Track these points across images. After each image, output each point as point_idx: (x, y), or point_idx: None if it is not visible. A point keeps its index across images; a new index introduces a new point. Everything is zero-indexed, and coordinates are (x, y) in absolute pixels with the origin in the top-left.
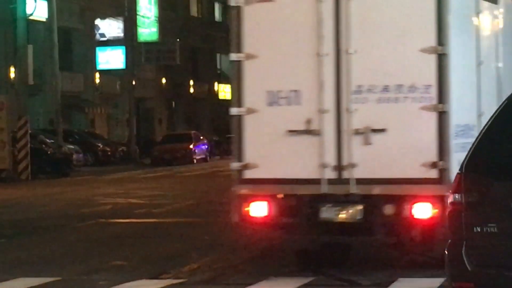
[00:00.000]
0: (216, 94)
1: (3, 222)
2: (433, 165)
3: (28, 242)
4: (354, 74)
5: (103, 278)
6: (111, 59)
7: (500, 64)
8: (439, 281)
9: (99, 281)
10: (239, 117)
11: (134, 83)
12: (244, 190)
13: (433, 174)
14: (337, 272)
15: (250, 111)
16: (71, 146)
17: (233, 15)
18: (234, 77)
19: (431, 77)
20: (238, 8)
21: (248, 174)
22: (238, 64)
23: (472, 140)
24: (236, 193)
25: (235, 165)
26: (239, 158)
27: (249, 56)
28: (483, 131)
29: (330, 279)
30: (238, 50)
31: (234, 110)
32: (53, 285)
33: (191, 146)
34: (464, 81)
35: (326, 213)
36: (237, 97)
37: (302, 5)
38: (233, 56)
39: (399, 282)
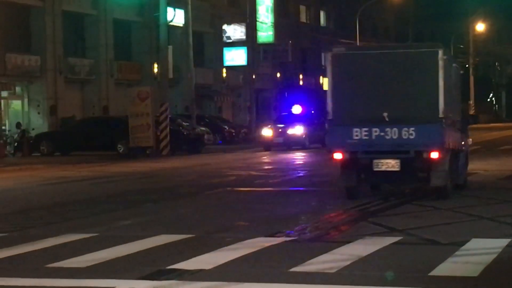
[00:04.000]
0: (321, 86)
1: (149, 189)
2: None
3: (167, 205)
4: None
5: (230, 235)
6: (235, 57)
7: None
8: (507, 241)
9: (226, 238)
10: None
11: (254, 77)
12: None
13: None
14: (420, 232)
15: None
16: (203, 128)
17: None
18: None
19: None
20: None
21: None
22: None
23: None
24: None
25: None
26: None
27: None
28: None
29: (414, 238)
30: None
31: None
32: (188, 240)
33: None
34: None
35: None
36: None
37: None
38: None
39: (472, 242)
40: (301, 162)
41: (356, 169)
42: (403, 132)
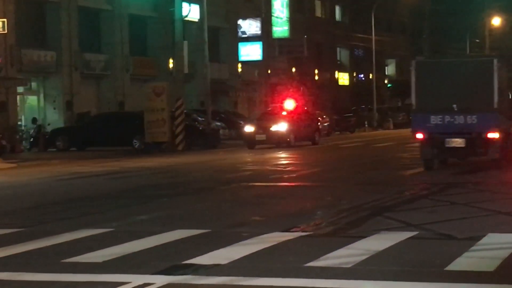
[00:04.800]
0: (336, 81)
1: (164, 184)
2: None
3: (184, 200)
4: None
5: (245, 230)
6: (250, 52)
7: None
8: None
9: (242, 233)
10: None
11: (269, 71)
12: None
13: None
14: (436, 227)
15: None
16: (218, 123)
17: None
18: None
19: None
20: None
21: None
22: None
23: None
24: None
25: None
26: None
27: None
28: None
29: (430, 233)
30: None
31: None
32: (204, 235)
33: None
34: None
35: None
36: None
37: None
38: None
39: (488, 237)
40: (316, 156)
41: (432, 146)
42: (468, 119)
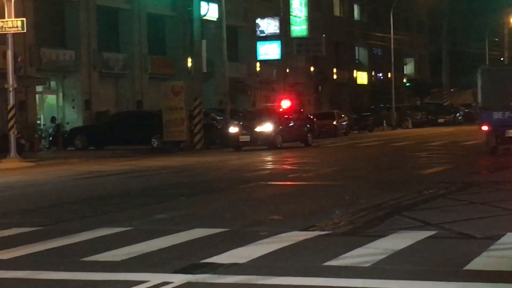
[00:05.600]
0: (354, 80)
1: (182, 183)
2: None
3: (202, 199)
4: None
5: (264, 229)
6: (269, 51)
7: None
8: None
9: (260, 232)
10: None
11: (287, 70)
12: None
13: None
14: (455, 226)
15: None
16: (236, 122)
17: None
18: None
19: None
20: None
21: None
22: None
23: None
24: None
25: None
26: None
27: None
28: None
29: (449, 232)
30: None
31: None
32: (223, 234)
33: (335, 122)
34: None
35: None
36: None
37: None
38: None
39: (507, 236)
40: (335, 155)
41: (495, 136)
42: None
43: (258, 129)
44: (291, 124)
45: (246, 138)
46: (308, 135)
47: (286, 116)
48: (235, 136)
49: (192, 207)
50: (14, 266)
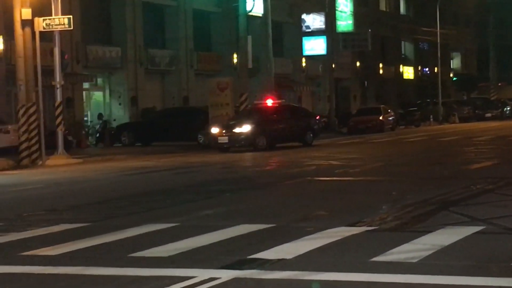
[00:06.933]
0: (401, 75)
1: (229, 179)
2: None
3: (247, 195)
4: None
5: (310, 225)
6: (314, 46)
7: None
8: None
9: (307, 228)
10: None
11: (333, 66)
12: None
13: None
14: (503, 222)
15: None
16: None
17: None
18: None
19: None
20: None
21: None
22: None
23: None
24: None
25: None
26: None
27: None
28: None
29: (497, 228)
30: None
31: None
32: (269, 230)
33: (381, 118)
34: None
35: None
36: None
37: None
38: None
39: None
40: (381, 150)
41: None
42: None
43: (237, 130)
44: (281, 124)
45: (224, 139)
46: (309, 134)
47: (275, 115)
48: (215, 137)
49: (238, 203)
50: (62, 262)
